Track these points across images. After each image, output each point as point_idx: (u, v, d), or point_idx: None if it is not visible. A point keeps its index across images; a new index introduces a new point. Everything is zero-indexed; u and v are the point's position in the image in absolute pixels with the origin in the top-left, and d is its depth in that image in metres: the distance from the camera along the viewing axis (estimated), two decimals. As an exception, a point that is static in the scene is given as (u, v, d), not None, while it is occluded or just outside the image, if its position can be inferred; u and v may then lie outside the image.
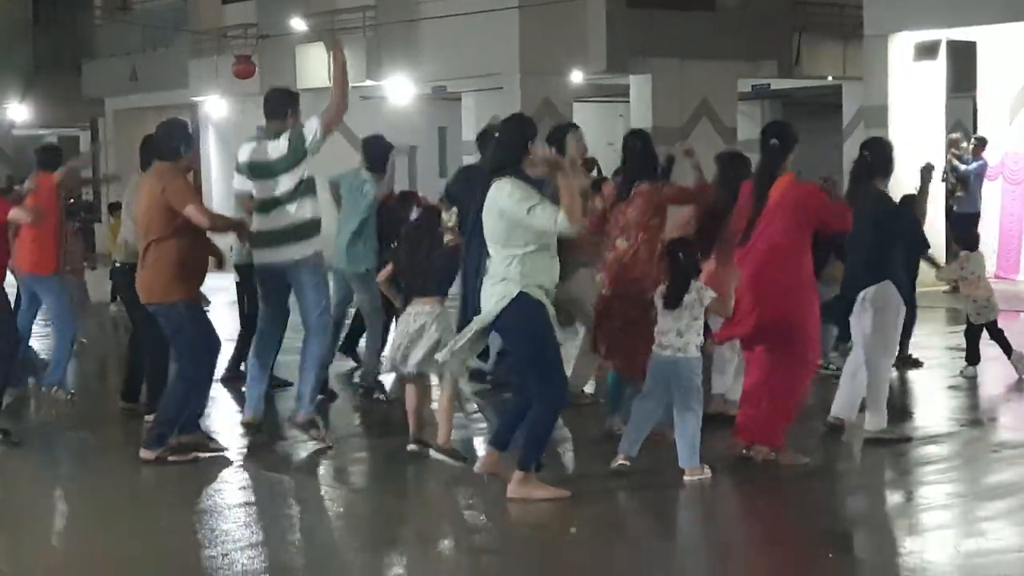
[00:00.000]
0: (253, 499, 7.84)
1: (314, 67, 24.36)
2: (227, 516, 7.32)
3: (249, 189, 8.86)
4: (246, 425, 9.03)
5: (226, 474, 8.26)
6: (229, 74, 25.65)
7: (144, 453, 8.25)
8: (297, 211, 8.71)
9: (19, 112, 32.31)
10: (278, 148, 8.67)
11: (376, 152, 10.72)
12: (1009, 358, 11.06)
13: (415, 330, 8.15)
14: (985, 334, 11.18)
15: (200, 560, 6.42)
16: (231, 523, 7.15)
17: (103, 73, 30.44)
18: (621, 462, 7.65)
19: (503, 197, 7.08)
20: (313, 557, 6.55)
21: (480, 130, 10.18)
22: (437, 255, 8.39)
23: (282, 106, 8.95)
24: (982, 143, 17.74)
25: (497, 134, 7.52)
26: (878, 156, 8.94)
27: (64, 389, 10.61)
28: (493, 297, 7.13)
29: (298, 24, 24.14)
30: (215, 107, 27.52)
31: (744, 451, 7.94)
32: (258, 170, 8.79)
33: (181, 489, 7.95)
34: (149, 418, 9.00)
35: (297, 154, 8.62)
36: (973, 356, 11.17)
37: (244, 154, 8.90)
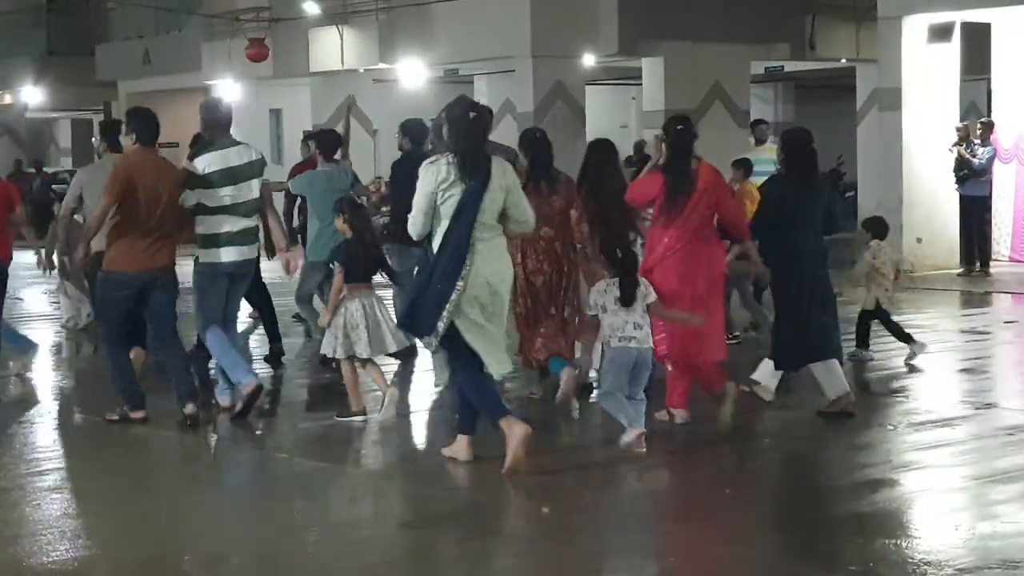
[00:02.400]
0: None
1: (326, 51, 24.38)
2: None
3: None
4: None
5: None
6: (242, 57, 25.77)
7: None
8: None
9: (33, 95, 32.45)
10: (252, 154, 9.33)
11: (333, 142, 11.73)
12: (911, 343, 11.05)
13: (368, 315, 8.80)
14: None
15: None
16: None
17: (116, 56, 30.54)
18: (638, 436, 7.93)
19: (514, 178, 7.57)
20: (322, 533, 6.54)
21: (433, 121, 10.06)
22: (373, 245, 9.16)
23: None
24: (989, 126, 17.62)
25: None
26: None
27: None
28: (509, 269, 7.60)
29: (310, 7, 24.21)
30: (228, 90, 27.50)
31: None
32: (243, 174, 9.22)
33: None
34: None
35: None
36: (864, 341, 11.20)
37: (222, 162, 9.18)
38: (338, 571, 5.90)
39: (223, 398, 9.25)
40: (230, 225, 9.04)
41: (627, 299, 7.84)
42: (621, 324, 7.87)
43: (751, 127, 17.56)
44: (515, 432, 7.25)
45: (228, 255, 9.04)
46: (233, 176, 9.00)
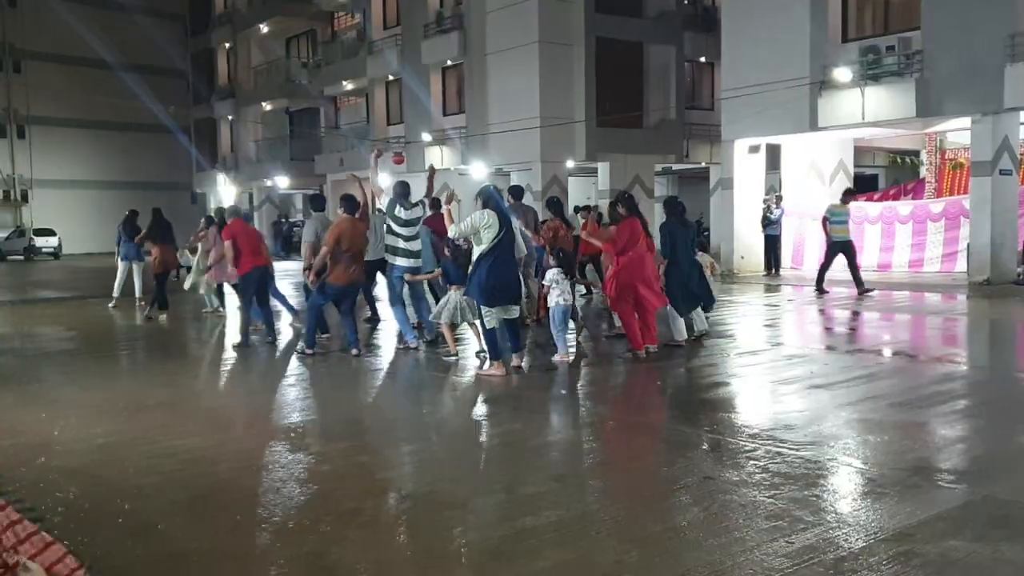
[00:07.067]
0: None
1: (433, 157, 24.38)
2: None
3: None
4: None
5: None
6: (390, 161, 25.56)
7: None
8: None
9: (282, 181, 32.47)
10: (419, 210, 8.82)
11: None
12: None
13: (458, 301, 7.94)
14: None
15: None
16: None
17: (325, 161, 30.46)
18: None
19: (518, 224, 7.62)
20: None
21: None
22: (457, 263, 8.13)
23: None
24: (780, 198, 17.46)
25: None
26: (679, 205, 8.62)
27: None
28: None
29: (425, 136, 24.15)
30: (384, 180, 27.48)
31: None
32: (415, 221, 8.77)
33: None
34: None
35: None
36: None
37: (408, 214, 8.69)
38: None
39: (409, 340, 8.55)
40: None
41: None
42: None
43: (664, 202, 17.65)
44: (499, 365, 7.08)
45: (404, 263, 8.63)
46: (410, 221, 8.60)
